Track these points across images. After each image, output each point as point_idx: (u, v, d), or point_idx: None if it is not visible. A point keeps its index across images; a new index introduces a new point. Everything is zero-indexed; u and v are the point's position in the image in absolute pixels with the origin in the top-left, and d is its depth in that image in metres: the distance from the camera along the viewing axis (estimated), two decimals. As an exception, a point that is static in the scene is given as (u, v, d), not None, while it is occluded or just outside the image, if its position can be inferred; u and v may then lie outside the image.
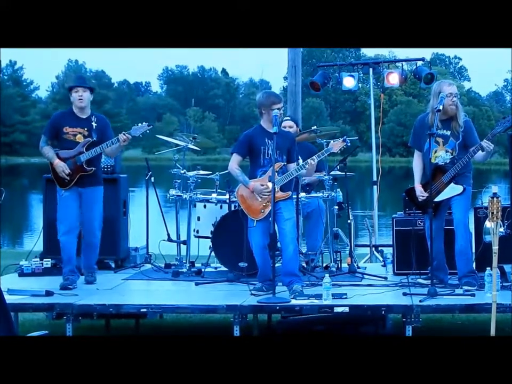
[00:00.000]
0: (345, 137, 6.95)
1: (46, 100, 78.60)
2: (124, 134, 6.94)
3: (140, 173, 12.60)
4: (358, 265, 7.93)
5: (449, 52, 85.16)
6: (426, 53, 72.42)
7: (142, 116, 70.37)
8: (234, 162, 6.64)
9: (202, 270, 7.68)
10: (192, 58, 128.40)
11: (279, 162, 6.53)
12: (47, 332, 5.84)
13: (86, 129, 6.99)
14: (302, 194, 7.63)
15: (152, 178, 8.35)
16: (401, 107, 67.62)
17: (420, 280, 6.83)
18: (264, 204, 6.50)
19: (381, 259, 8.64)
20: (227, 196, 7.59)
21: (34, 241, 8.33)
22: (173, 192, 7.96)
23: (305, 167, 6.64)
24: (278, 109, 6.49)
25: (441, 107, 6.50)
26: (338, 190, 7.74)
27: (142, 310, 6.24)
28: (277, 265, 6.61)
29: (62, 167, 6.93)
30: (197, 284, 7.09)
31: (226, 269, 7.48)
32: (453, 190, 6.63)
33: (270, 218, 6.27)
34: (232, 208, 7.53)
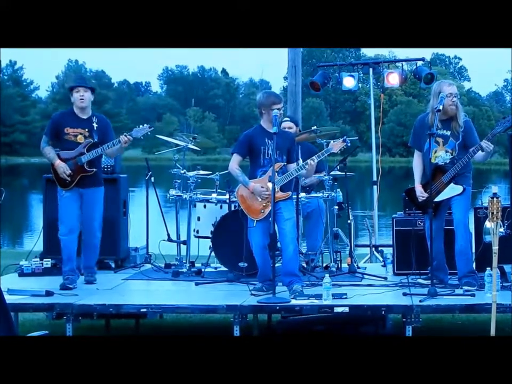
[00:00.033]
0: (345, 137, 6.94)
1: (46, 99, 78.62)
2: (125, 136, 6.95)
3: (140, 173, 12.60)
4: (358, 265, 7.93)
5: (449, 51, 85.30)
6: (426, 53, 72.51)
7: (142, 116, 70.50)
8: (234, 163, 6.64)
9: (202, 270, 7.68)
10: (192, 58, 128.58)
11: (279, 162, 6.53)
12: (47, 332, 5.85)
13: (87, 129, 6.99)
14: (302, 194, 7.63)
15: (152, 178, 8.35)
16: (401, 107, 67.62)
17: (420, 280, 6.83)
18: (264, 204, 6.50)
19: (381, 259, 8.64)
20: (227, 196, 7.60)
21: (34, 241, 8.32)
22: (173, 192, 7.96)
23: (305, 167, 6.64)
24: (278, 109, 6.49)
25: (441, 107, 6.51)
26: (338, 190, 7.74)
27: (142, 310, 6.24)
28: (277, 265, 6.61)
29: (63, 168, 6.93)
30: (197, 284, 7.09)
31: (226, 269, 7.48)
32: (452, 190, 6.63)
33: (270, 218, 6.27)
34: (232, 208, 7.53)
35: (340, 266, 7.64)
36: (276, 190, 6.37)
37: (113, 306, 6.21)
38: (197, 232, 7.89)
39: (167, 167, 8.76)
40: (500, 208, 5.30)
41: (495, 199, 5.29)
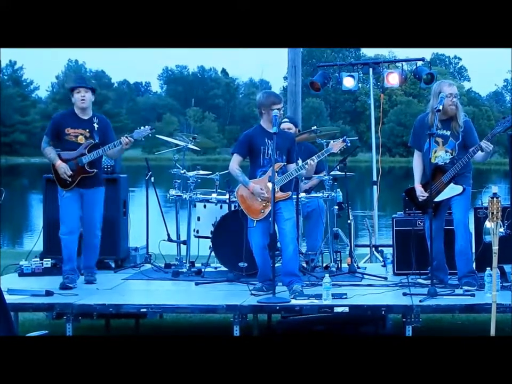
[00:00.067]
0: (345, 137, 6.94)
1: (46, 99, 78.64)
2: (126, 137, 6.96)
3: (140, 173, 12.60)
4: (358, 265, 7.93)
5: (449, 51, 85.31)
6: (426, 53, 72.53)
7: (142, 116, 70.50)
8: (234, 163, 6.64)
9: (202, 270, 7.68)
10: (192, 58, 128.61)
11: (279, 162, 6.53)
12: (47, 331, 5.85)
13: (87, 130, 7.00)
14: (302, 194, 7.63)
15: (152, 178, 8.35)
16: (401, 107, 67.62)
17: (420, 280, 6.83)
18: (264, 204, 6.50)
19: (381, 259, 8.64)
20: (227, 196, 7.60)
21: (34, 241, 8.32)
22: (173, 192, 7.97)
23: (305, 167, 6.64)
24: (278, 109, 6.49)
25: (441, 107, 6.51)
26: (338, 190, 7.74)
27: (142, 310, 6.24)
28: (277, 265, 6.61)
29: (63, 169, 6.94)
30: (197, 284, 7.09)
31: (226, 269, 7.48)
32: (452, 190, 6.63)
33: (270, 218, 6.27)
34: (232, 208, 7.53)
35: (340, 266, 7.64)
36: (276, 190, 6.37)
37: (113, 306, 6.21)
38: (197, 232, 7.89)
39: (167, 167, 8.76)
40: (499, 208, 5.29)
41: (495, 199, 5.28)
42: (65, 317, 6.13)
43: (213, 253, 7.62)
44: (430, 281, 6.42)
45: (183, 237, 7.98)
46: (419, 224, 7.23)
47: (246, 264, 7.04)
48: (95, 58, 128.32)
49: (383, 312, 6.27)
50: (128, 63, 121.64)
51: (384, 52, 71.05)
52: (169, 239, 8.15)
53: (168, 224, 8.30)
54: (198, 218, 7.87)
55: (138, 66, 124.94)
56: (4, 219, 13.14)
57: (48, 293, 6.43)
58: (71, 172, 6.94)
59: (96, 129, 7.02)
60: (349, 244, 7.98)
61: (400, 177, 36.53)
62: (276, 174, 6.41)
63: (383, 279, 7.22)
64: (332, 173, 7.73)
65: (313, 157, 6.72)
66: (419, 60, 10.45)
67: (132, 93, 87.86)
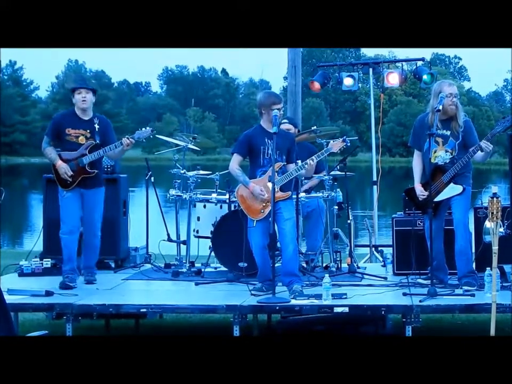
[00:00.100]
0: (344, 137, 6.94)
1: (46, 100, 78.64)
2: (127, 138, 6.97)
3: (140, 173, 12.59)
4: (358, 265, 7.93)
5: (449, 51, 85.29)
6: (426, 53, 72.54)
7: (142, 116, 70.54)
8: (234, 163, 6.64)
9: (202, 270, 7.68)
10: (192, 58, 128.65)
11: (279, 162, 6.53)
12: (47, 332, 5.85)
13: (88, 131, 7.00)
14: (302, 194, 7.63)
15: (152, 178, 8.35)
16: (401, 107, 67.61)
17: (420, 280, 6.83)
18: (264, 204, 6.50)
19: (381, 259, 8.64)
20: (227, 196, 7.60)
21: (34, 241, 8.32)
22: (173, 192, 7.96)
23: (305, 167, 6.64)
24: (278, 109, 6.49)
25: (440, 107, 6.51)
26: (338, 190, 7.74)
27: (142, 310, 6.24)
28: (276, 265, 6.61)
29: (64, 169, 6.94)
30: (196, 284, 7.09)
31: (226, 269, 7.48)
32: (452, 190, 6.63)
33: (270, 218, 6.27)
34: (232, 208, 7.53)
35: (339, 266, 7.64)
36: (276, 190, 6.37)
37: (113, 306, 6.21)
38: (197, 232, 7.89)
39: (167, 167, 8.76)
40: (499, 208, 5.30)
41: (495, 199, 5.29)
42: (65, 317, 6.13)
43: (212, 253, 7.62)
44: (430, 281, 6.42)
45: (183, 237, 7.98)
46: (419, 224, 7.23)
47: (246, 264, 7.04)
48: (95, 58, 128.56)
49: (383, 312, 6.27)
50: (128, 63, 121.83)
51: (384, 52, 71.16)
52: (169, 239, 8.15)
53: (168, 224, 8.30)
54: (198, 218, 7.87)
55: (138, 66, 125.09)
56: (4, 219, 13.14)
57: (48, 293, 6.43)
58: (71, 172, 6.94)
59: (97, 129, 7.02)
60: (348, 244, 7.98)
61: (400, 177, 36.53)
62: (276, 174, 6.41)
63: (383, 279, 7.21)
64: (332, 172, 7.73)
65: (313, 157, 6.72)
66: (419, 59, 10.45)
67: (132, 93, 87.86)
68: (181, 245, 8.00)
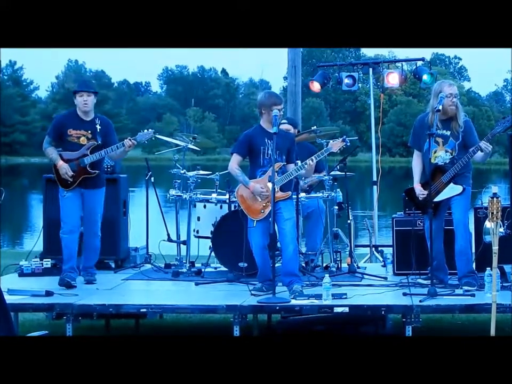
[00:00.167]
0: (344, 137, 6.93)
1: (46, 99, 78.63)
2: (129, 140, 6.98)
3: (140, 173, 12.59)
4: (358, 265, 7.93)
5: (449, 51, 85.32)
6: (426, 53, 72.56)
7: (142, 116, 70.54)
8: (234, 163, 6.64)
9: (202, 270, 7.68)
10: (192, 58, 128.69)
11: (279, 162, 6.53)
12: (47, 332, 5.85)
13: (89, 131, 7.01)
14: (302, 194, 7.63)
15: (152, 178, 8.35)
16: (401, 107, 67.60)
17: (420, 280, 6.83)
18: (264, 204, 6.50)
19: (381, 259, 8.64)
20: (227, 196, 7.59)
21: (34, 241, 8.32)
22: (173, 192, 7.96)
23: (305, 167, 6.64)
24: (278, 109, 6.49)
25: (440, 107, 6.51)
26: (338, 190, 7.74)
27: (142, 310, 6.24)
28: (277, 265, 6.61)
29: (65, 169, 6.94)
30: (197, 284, 7.09)
31: (226, 269, 7.47)
32: (452, 190, 6.63)
33: (270, 219, 6.27)
34: (232, 208, 7.53)
35: (339, 266, 7.64)
36: (276, 190, 6.37)
37: (113, 306, 6.21)
38: (197, 232, 7.89)
39: (167, 167, 8.76)
40: (499, 208, 5.29)
41: (495, 199, 5.28)
42: (65, 317, 6.13)
43: (213, 253, 7.62)
44: (430, 281, 6.42)
45: (183, 237, 7.98)
46: (419, 224, 7.22)
47: (246, 264, 7.04)
48: (95, 58, 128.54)
49: (383, 312, 6.27)
50: (128, 63, 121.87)
51: (384, 52, 71.18)
52: (169, 239, 8.15)
53: (168, 224, 8.30)
54: (198, 218, 7.87)
55: (138, 66, 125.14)
56: (4, 219, 13.13)
57: (48, 293, 6.43)
58: (72, 173, 6.95)
59: (98, 130, 7.03)
60: (348, 244, 7.98)
61: (400, 177, 36.54)
62: (276, 174, 6.41)
63: (383, 279, 7.21)
64: (332, 173, 7.73)
65: (313, 157, 6.71)
66: (419, 59, 10.45)
67: (132, 93, 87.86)
68: (181, 245, 8.00)
